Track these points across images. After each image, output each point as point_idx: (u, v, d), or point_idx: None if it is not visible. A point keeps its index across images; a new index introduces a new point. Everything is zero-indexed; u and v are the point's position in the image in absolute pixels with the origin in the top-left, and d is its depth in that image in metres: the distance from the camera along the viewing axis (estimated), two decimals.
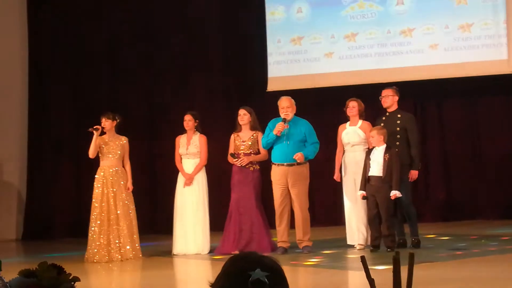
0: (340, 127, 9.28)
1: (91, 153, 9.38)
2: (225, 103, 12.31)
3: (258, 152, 9.28)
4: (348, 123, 9.24)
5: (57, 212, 12.24)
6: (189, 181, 9.42)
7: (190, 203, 9.39)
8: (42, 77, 12.60)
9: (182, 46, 12.43)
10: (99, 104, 11.78)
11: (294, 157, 8.79)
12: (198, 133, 9.56)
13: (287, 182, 8.90)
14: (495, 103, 11.69)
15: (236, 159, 9.24)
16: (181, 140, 9.59)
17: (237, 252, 8.68)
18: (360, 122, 9.15)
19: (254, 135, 9.30)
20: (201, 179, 9.46)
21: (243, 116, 9.34)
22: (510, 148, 11.56)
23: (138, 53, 12.55)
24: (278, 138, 8.91)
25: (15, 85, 12.63)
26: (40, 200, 12.35)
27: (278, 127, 8.86)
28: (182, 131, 9.62)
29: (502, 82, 11.17)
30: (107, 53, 12.65)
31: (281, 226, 8.94)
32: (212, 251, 9.30)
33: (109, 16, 12.67)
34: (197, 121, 9.55)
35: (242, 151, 9.26)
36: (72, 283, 2.11)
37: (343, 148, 9.22)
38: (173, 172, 9.73)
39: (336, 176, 9.25)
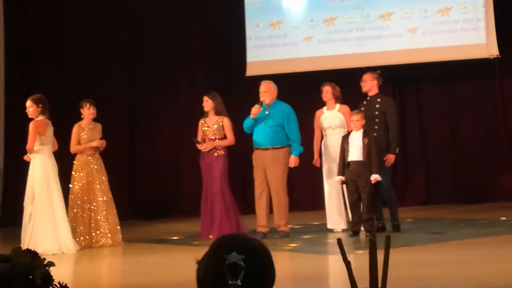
0: (317, 112, 9.30)
1: (74, 152, 9.32)
2: (204, 89, 12.22)
3: (223, 137, 9.28)
4: (325, 107, 9.25)
5: None
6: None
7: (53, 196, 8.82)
8: (19, 62, 12.45)
9: (160, 32, 12.33)
10: (78, 91, 11.69)
11: (290, 165, 8.83)
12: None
13: (265, 166, 8.91)
14: (473, 87, 11.72)
15: (200, 144, 9.23)
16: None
17: (211, 237, 8.81)
18: (338, 106, 9.18)
19: (219, 120, 9.30)
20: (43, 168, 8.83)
21: (205, 103, 9.41)
22: (488, 131, 11.62)
23: (117, 39, 12.44)
24: (256, 123, 8.91)
25: None
26: (17, 187, 12.22)
27: (253, 110, 8.88)
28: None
29: (480, 66, 11.21)
30: (87, 41, 12.53)
31: (259, 210, 8.95)
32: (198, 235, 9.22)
33: (89, 2, 12.55)
34: (40, 105, 8.74)
35: (207, 137, 9.27)
36: (47, 268, 2.09)
37: (321, 133, 9.23)
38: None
39: (315, 161, 9.27)
